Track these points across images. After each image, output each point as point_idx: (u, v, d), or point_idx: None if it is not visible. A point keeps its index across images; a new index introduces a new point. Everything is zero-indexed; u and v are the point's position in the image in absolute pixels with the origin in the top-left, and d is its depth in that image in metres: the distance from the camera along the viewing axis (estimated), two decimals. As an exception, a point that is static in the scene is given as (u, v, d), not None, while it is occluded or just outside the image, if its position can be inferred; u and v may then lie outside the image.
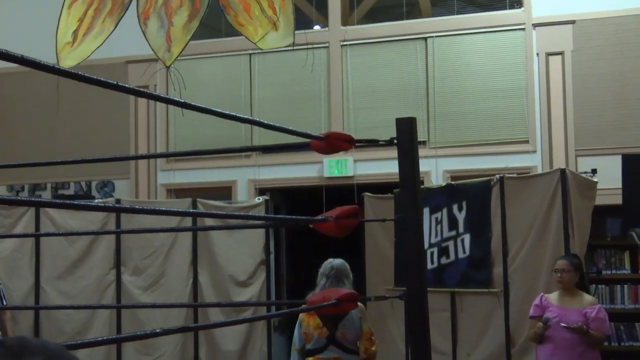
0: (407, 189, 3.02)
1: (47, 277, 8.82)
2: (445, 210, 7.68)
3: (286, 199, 10.42)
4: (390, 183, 7.97)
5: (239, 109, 9.74)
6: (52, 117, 10.20)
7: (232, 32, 8.76)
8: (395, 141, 3.01)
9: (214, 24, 9.57)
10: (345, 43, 9.79)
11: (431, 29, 9.57)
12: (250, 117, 3.06)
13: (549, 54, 9.08)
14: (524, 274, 7.01)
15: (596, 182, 7.11)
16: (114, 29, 8.38)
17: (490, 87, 9.27)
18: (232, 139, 9.64)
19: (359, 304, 5.14)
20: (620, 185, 7.24)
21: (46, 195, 10.57)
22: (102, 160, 3.35)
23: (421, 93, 9.48)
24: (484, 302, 7.29)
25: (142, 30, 8.35)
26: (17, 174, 10.31)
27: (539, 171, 8.58)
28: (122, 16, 8.32)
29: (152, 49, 8.38)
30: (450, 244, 7.61)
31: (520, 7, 9.36)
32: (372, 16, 10.19)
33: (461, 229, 7.53)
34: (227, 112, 2.50)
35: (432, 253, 7.74)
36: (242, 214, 8.25)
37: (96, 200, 9.70)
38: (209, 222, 8.43)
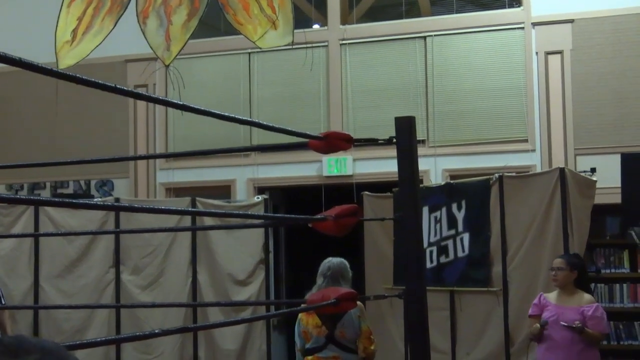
0: (406, 187, 3.02)
1: (46, 276, 8.82)
2: (444, 209, 7.68)
3: (285, 198, 10.42)
4: (389, 182, 7.97)
5: (238, 107, 9.74)
6: (51, 116, 10.19)
7: (231, 30, 8.76)
8: (395, 140, 3.02)
9: (213, 22, 9.57)
10: (344, 42, 9.79)
11: (430, 28, 9.57)
12: (249, 119, 3.05)
13: (548, 53, 9.08)
14: (523, 272, 7.02)
15: (595, 181, 7.11)
16: (113, 28, 8.38)
17: (490, 86, 9.27)
18: (231, 138, 9.63)
19: (358, 303, 5.14)
20: (619, 184, 7.24)
21: (45, 194, 10.57)
22: (102, 161, 3.36)
23: (420, 92, 9.48)
24: (483, 301, 7.30)
25: (141, 29, 8.36)
26: (17, 173, 10.32)
27: (538, 170, 8.58)
28: (122, 15, 8.32)
29: (151, 48, 8.39)
30: (450, 242, 7.61)
31: (519, 6, 9.36)
32: (371, 15, 10.19)
33: (460, 227, 7.53)
34: (226, 113, 2.49)
35: (431, 252, 7.74)
36: (241, 212, 8.25)
37: (95, 199, 9.70)
38: (208, 221, 8.44)
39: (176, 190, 10.17)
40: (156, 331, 2.08)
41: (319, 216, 2.95)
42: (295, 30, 8.10)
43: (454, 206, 7.59)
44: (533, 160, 9.00)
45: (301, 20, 9.19)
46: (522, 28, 9.23)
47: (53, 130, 10.44)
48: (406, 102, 9.48)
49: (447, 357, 7.54)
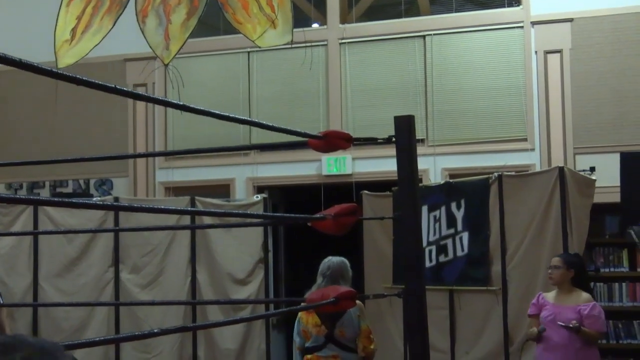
0: (406, 187, 3.02)
1: (46, 275, 8.82)
2: (443, 208, 7.68)
3: (284, 197, 10.42)
4: (388, 181, 7.97)
5: (237, 106, 9.73)
6: (50, 115, 10.19)
7: (231, 29, 8.76)
8: (394, 139, 3.01)
9: (212, 21, 9.56)
10: (343, 41, 9.79)
11: (429, 27, 9.57)
12: (248, 118, 3.06)
13: (547, 52, 9.09)
14: (523, 272, 7.02)
15: (594, 180, 7.12)
16: (112, 27, 8.38)
17: (489, 85, 9.27)
18: (230, 137, 9.63)
19: (358, 302, 5.13)
20: (618, 183, 7.24)
21: (44, 193, 10.57)
22: (101, 159, 3.36)
23: (419, 91, 9.48)
24: (483, 300, 7.30)
25: (141, 28, 8.36)
26: (16, 172, 10.32)
27: (538, 169, 8.58)
28: (121, 14, 8.32)
29: (151, 47, 8.39)
30: (449, 242, 7.62)
31: (518, 5, 9.36)
32: (370, 14, 10.18)
33: (459, 227, 7.53)
34: (225, 112, 2.49)
35: (430, 251, 7.74)
36: (240, 211, 8.25)
37: (94, 198, 9.69)
38: (207, 220, 8.44)
39: (175, 190, 10.16)
40: (155, 330, 2.08)
41: (318, 215, 2.95)
42: (295, 30, 8.10)
43: (453, 205, 7.59)
44: (532, 159, 9.00)
45: (300, 19, 9.19)
46: (522, 27, 9.23)
47: (52, 130, 10.44)
48: (405, 101, 9.48)
49: (447, 356, 7.54)
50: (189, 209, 8.43)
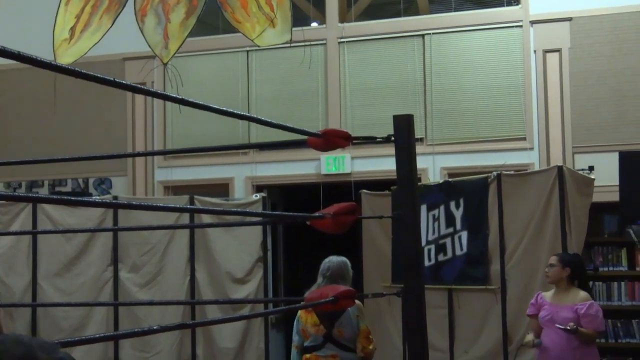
0: (405, 186, 3.02)
1: (44, 274, 8.82)
2: (442, 208, 7.68)
3: (283, 196, 10.42)
4: (387, 180, 7.97)
5: (236, 105, 9.73)
6: (49, 114, 10.19)
7: (230, 29, 8.76)
8: (393, 138, 3.02)
9: (211, 20, 9.56)
10: (342, 40, 9.78)
11: (428, 26, 9.57)
12: (247, 114, 3.06)
13: (546, 51, 9.09)
14: (521, 271, 7.02)
15: (593, 179, 7.12)
16: (111, 26, 8.38)
17: (488, 84, 9.27)
18: (229, 136, 9.63)
19: (357, 302, 5.13)
20: (617, 182, 7.25)
21: (43, 192, 10.57)
22: (100, 158, 3.36)
23: (418, 90, 9.48)
24: (481, 299, 7.30)
25: (140, 27, 8.36)
26: (15, 171, 10.31)
27: (536, 168, 8.58)
28: (120, 13, 8.32)
29: (150, 46, 8.38)
30: (448, 241, 7.62)
31: (517, 4, 9.36)
32: (369, 13, 10.18)
33: (458, 226, 7.53)
34: (224, 108, 2.50)
35: (429, 250, 7.74)
36: (239, 210, 8.24)
37: (93, 197, 9.68)
38: (206, 219, 8.45)
39: (174, 188, 10.16)
40: (154, 327, 2.08)
41: (317, 214, 2.95)
42: (294, 28, 8.10)
43: (452, 204, 7.59)
44: (531, 159, 9.00)
45: (299, 18, 9.19)
46: (521, 26, 9.23)
47: (51, 129, 10.44)
48: (404, 100, 9.48)
49: (445, 355, 7.54)
50: (188, 207, 8.42)
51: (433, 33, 9.50)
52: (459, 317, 7.54)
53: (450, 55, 9.46)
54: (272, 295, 9.13)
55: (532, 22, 9.18)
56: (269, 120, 2.85)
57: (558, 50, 9.04)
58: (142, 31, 8.35)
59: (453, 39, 9.52)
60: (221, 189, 9.94)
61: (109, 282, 8.76)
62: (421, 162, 8.74)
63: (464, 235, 7.46)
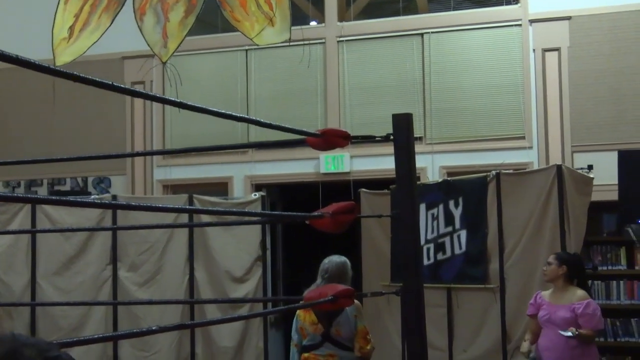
0: (404, 185, 3.02)
1: (43, 273, 8.81)
2: (441, 207, 7.69)
3: (282, 195, 10.42)
4: (386, 179, 7.97)
5: (236, 104, 9.73)
6: (48, 113, 10.18)
7: (229, 27, 8.75)
8: (392, 137, 3.02)
9: (210, 19, 9.56)
10: (341, 39, 9.78)
11: (428, 25, 9.57)
12: (246, 116, 3.07)
13: (545, 50, 9.08)
14: (520, 270, 7.02)
15: (592, 178, 7.12)
16: (110, 25, 8.37)
17: (487, 83, 9.27)
18: (228, 135, 9.63)
19: (356, 302, 5.13)
20: (616, 181, 7.25)
21: (42, 191, 10.57)
22: (99, 157, 3.36)
23: (417, 89, 9.48)
24: (480, 298, 7.31)
25: (139, 26, 8.35)
26: (14, 170, 10.30)
27: (535, 167, 8.58)
28: (119, 12, 8.31)
29: (149, 45, 8.38)
30: (447, 240, 7.62)
31: (516, 3, 9.36)
32: (368, 12, 10.18)
33: (457, 225, 7.53)
34: (223, 110, 2.50)
35: (428, 249, 7.74)
36: (238, 209, 8.25)
37: (92, 197, 9.68)
38: (205, 218, 8.45)
39: (173, 188, 10.16)
40: (153, 328, 2.08)
41: (316, 213, 2.96)
42: (293, 27, 8.09)
43: (451, 203, 7.59)
44: (530, 158, 9.00)
45: (298, 17, 9.18)
46: (520, 25, 9.23)
47: (50, 128, 10.43)
48: (403, 99, 9.47)
49: (444, 353, 7.55)
50: (187, 207, 8.43)
51: (432, 32, 9.50)
52: (458, 316, 7.54)
53: (450, 54, 9.45)
54: (270, 294, 9.13)
55: (531, 21, 9.17)
56: (268, 118, 2.85)
57: (557, 49, 9.04)
58: (141, 30, 8.34)
59: (452, 38, 9.52)
60: (220, 188, 9.94)
61: (107, 281, 8.77)
62: (420, 161, 8.74)
63: (463, 234, 7.47)
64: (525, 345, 6.10)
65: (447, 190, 7.67)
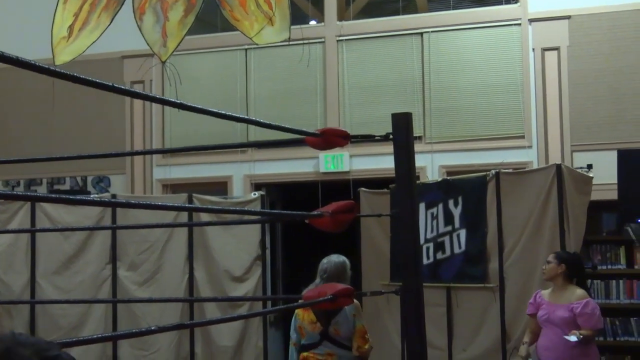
0: (403, 184, 3.02)
1: (43, 272, 8.81)
2: (441, 206, 7.68)
3: (282, 194, 10.42)
4: (386, 178, 7.97)
5: (235, 104, 9.73)
6: (47, 112, 10.18)
7: (228, 27, 8.75)
8: (391, 136, 3.02)
9: (210, 19, 9.56)
10: (341, 38, 9.78)
11: (427, 24, 9.57)
12: (246, 116, 3.07)
13: (544, 50, 9.08)
14: (520, 269, 7.03)
15: (592, 178, 7.12)
16: (110, 24, 8.37)
17: (486, 82, 9.27)
18: (228, 134, 9.62)
19: (355, 301, 5.14)
20: (615, 181, 7.25)
21: (42, 190, 10.56)
22: (98, 156, 3.36)
23: (417, 88, 9.48)
24: (480, 297, 7.31)
25: (138, 25, 8.34)
26: (13, 170, 10.29)
27: (535, 166, 8.58)
28: (118, 11, 8.31)
29: (148, 44, 8.37)
30: (446, 239, 7.62)
31: (516, 2, 9.36)
32: (368, 11, 10.18)
33: (457, 224, 7.53)
34: (222, 110, 2.50)
35: (427, 248, 7.74)
36: (238, 208, 8.25)
37: (92, 196, 9.68)
38: (205, 217, 8.45)
39: (173, 187, 10.15)
40: (152, 328, 2.08)
41: (315, 212, 2.96)
42: (292, 27, 8.09)
43: (451, 202, 7.59)
44: (530, 157, 9.00)
45: (298, 17, 9.18)
46: (519, 24, 9.23)
47: (50, 127, 10.42)
48: (403, 98, 9.47)
49: (444, 353, 7.55)
50: (186, 206, 8.43)
51: (432, 31, 9.50)
52: (458, 315, 7.54)
53: (449, 54, 9.45)
54: (270, 294, 9.13)
55: (531, 20, 9.17)
56: (268, 117, 2.85)
57: (557, 49, 9.04)
58: (140, 29, 8.34)
59: (451, 37, 9.52)
60: (219, 187, 9.94)
61: (107, 280, 8.77)
62: (420, 161, 8.74)
63: (463, 233, 7.47)
64: (523, 349, 6.10)
65: (447, 190, 7.67)
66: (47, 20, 8.61)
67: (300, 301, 3.50)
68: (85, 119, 10.37)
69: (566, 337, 5.72)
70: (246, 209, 8.27)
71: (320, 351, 5.34)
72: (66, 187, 10.50)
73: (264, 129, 8.95)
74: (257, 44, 8.61)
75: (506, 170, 7.48)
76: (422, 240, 7.56)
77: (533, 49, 9.12)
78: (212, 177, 10.00)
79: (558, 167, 6.92)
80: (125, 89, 2.08)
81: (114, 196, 8.94)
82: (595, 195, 7.14)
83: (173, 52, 8.31)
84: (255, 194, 8.94)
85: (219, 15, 8.65)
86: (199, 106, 2.36)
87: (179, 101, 2.32)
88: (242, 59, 10.05)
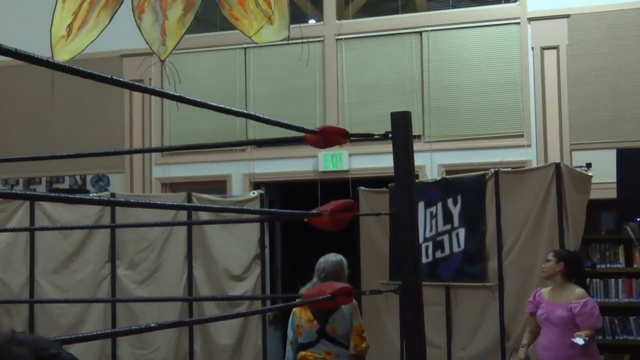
0: (402, 183, 3.02)
1: (42, 271, 8.81)
2: (440, 205, 7.68)
3: (281, 193, 10.42)
4: (385, 177, 7.96)
5: (234, 102, 9.73)
6: (46, 111, 10.18)
7: (227, 25, 8.75)
8: (390, 135, 3.02)
9: (209, 17, 9.55)
10: (340, 37, 9.78)
11: (426, 23, 9.57)
12: (245, 111, 3.07)
13: (544, 48, 9.09)
14: (519, 268, 7.02)
15: (591, 176, 7.12)
16: (109, 23, 8.36)
17: (485, 81, 9.27)
18: (227, 132, 9.63)
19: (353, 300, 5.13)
20: (614, 180, 7.26)
21: (41, 189, 10.56)
22: (97, 155, 3.36)
23: (416, 87, 9.48)
24: (479, 296, 7.31)
25: (137, 24, 8.34)
26: (12, 168, 10.29)
27: (534, 165, 8.58)
28: (117, 10, 8.30)
29: (147, 43, 8.37)
30: (445, 238, 7.62)
31: (515, 1, 9.36)
32: (367, 10, 10.18)
33: (456, 223, 7.53)
34: (222, 105, 2.50)
35: (426, 247, 7.74)
36: (237, 207, 8.25)
37: (91, 194, 9.68)
38: (204, 216, 8.45)
39: (172, 185, 10.16)
40: (152, 325, 2.09)
41: (314, 211, 2.96)
42: (291, 26, 8.08)
43: (450, 201, 7.59)
44: (529, 156, 9.01)
45: (297, 15, 9.17)
46: (518, 23, 9.23)
47: (49, 126, 10.42)
48: (402, 97, 9.48)
49: (443, 352, 7.55)
50: (186, 204, 8.43)
51: (431, 30, 9.50)
52: (457, 314, 7.54)
53: (448, 53, 9.46)
54: (269, 292, 9.13)
55: (530, 19, 9.18)
56: (267, 116, 2.85)
57: (556, 48, 9.04)
58: (139, 28, 8.33)
59: (450, 36, 9.52)
60: (219, 185, 9.94)
61: (106, 279, 8.77)
62: (418, 159, 8.73)
63: (462, 232, 7.47)
64: (522, 352, 6.10)
65: (446, 189, 7.67)
66: (46, 19, 8.60)
67: (299, 300, 3.50)
68: (84, 118, 10.37)
69: (574, 340, 5.70)
70: (245, 207, 8.28)
71: (318, 350, 5.34)
72: (65, 185, 10.50)
73: (264, 128, 8.98)
74: (256, 43, 8.60)
75: (505, 169, 7.47)
76: (421, 239, 7.56)
77: (532, 48, 9.13)
78: (212, 175, 10.00)
79: (557, 166, 6.91)
80: (124, 82, 2.09)
81: (113, 195, 8.94)
82: (595, 194, 7.14)
83: (172, 50, 8.30)
84: (254, 193, 8.94)
85: (218, 14, 8.65)
86: (198, 99, 2.37)
87: (177, 94, 2.32)
88: (241, 57, 10.05)
